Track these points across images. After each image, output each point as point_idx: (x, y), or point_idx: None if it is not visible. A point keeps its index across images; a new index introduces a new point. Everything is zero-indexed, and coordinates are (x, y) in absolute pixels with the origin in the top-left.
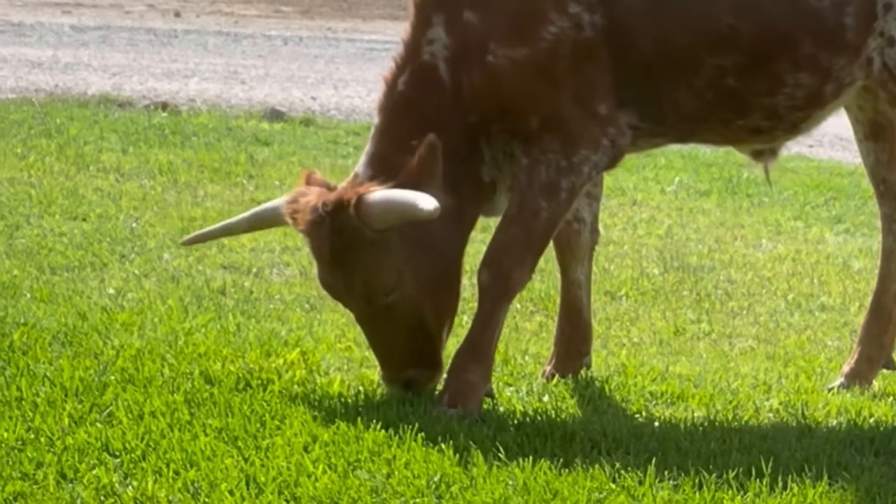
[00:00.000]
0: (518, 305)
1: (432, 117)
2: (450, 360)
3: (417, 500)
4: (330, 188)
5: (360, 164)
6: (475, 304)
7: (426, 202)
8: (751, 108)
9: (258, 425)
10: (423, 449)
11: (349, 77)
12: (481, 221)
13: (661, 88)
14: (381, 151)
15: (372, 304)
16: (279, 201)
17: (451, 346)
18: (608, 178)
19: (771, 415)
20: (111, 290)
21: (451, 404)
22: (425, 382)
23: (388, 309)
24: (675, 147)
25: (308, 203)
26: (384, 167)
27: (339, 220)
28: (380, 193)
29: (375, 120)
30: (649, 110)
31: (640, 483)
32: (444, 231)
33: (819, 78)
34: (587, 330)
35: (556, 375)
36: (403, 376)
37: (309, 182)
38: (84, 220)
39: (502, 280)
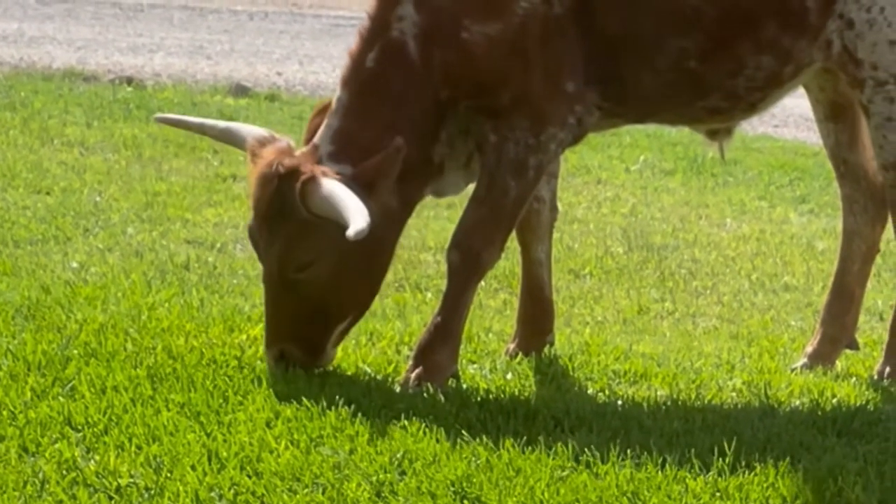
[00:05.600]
0: (482, 283)
1: (400, 95)
2: (417, 339)
3: (380, 476)
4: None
5: (321, 137)
6: (440, 282)
7: (357, 223)
8: (711, 89)
9: (221, 401)
10: (386, 425)
11: (314, 53)
12: (448, 199)
13: (625, 69)
14: (346, 127)
15: (281, 274)
16: (254, 131)
17: (417, 325)
18: (572, 156)
19: (734, 394)
20: (74, 264)
21: (417, 384)
22: (297, 361)
23: (294, 283)
24: (640, 126)
25: (268, 155)
26: (347, 144)
27: (286, 186)
28: (329, 184)
29: (338, 93)
30: (611, 90)
31: (603, 461)
32: (383, 220)
33: (780, 60)
34: (549, 308)
35: (520, 353)
36: (278, 347)
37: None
38: (48, 193)
39: (472, 259)
